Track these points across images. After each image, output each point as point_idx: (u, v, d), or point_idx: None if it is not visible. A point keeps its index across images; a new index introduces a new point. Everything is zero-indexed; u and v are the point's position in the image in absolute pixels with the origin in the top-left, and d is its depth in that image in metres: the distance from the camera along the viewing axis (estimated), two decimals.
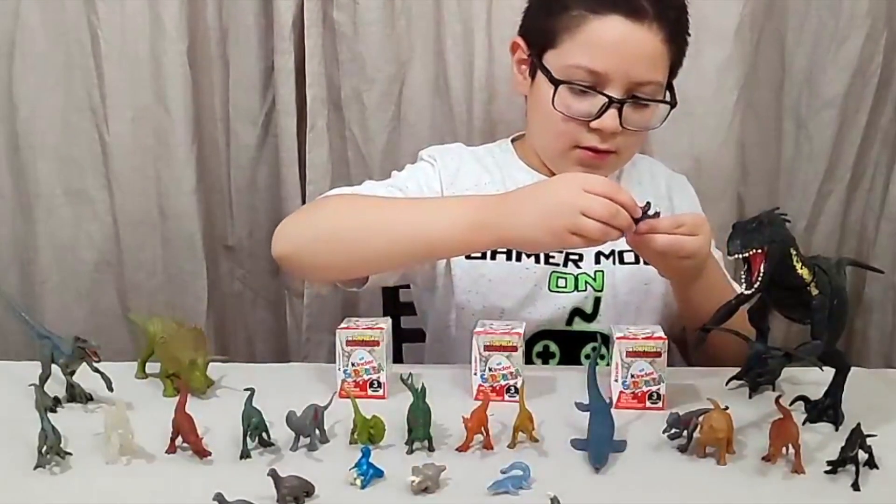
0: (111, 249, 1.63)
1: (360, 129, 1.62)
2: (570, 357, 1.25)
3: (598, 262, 1.26)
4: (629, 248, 1.18)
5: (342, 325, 1.07)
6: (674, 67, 1.23)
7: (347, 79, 1.60)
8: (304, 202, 1.61)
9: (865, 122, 1.59)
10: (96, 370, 1.01)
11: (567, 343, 1.25)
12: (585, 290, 1.26)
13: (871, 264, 1.49)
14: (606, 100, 1.16)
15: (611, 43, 1.16)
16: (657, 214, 1.05)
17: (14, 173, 1.61)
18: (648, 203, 1.04)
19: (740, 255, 0.88)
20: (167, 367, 1.08)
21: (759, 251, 0.88)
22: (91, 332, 1.15)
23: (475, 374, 1.04)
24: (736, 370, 1.08)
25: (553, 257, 1.26)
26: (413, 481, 0.82)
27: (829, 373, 0.98)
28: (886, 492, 0.84)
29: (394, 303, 1.51)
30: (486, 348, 1.03)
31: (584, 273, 1.26)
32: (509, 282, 1.24)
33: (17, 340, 1.43)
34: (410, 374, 0.94)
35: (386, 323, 1.08)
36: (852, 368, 0.99)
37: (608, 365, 1.04)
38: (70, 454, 0.89)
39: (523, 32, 1.28)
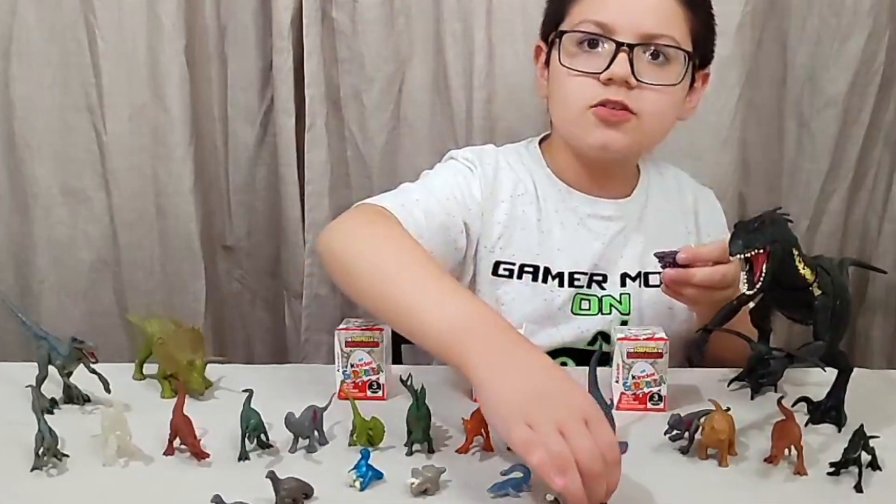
0: (108, 249, 1.63)
1: (359, 128, 1.61)
2: None
3: (623, 284, 1.23)
4: (654, 269, 1.16)
5: (341, 325, 1.06)
6: (698, 37, 1.17)
7: (346, 77, 1.59)
8: (302, 202, 1.60)
9: (868, 121, 1.58)
10: (93, 371, 1.01)
11: (587, 361, 1.22)
12: (610, 314, 1.22)
13: (873, 264, 1.49)
14: (614, 46, 1.12)
15: None
16: (673, 260, 1.05)
17: (11, 172, 1.61)
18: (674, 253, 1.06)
19: (742, 255, 0.87)
20: (165, 368, 1.08)
21: (761, 251, 0.87)
22: (88, 333, 1.15)
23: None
24: (738, 371, 1.08)
25: (577, 279, 1.22)
26: (412, 483, 0.81)
27: (831, 374, 0.98)
28: (889, 493, 0.84)
29: None
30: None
31: (610, 296, 1.23)
32: (534, 302, 1.21)
33: (13, 341, 1.43)
34: (410, 375, 0.93)
35: (385, 324, 1.07)
36: (855, 369, 0.99)
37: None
38: (67, 456, 0.89)
39: (542, 31, 1.25)
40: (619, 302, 1.23)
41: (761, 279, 0.88)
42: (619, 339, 1.02)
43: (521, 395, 0.80)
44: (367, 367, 1.04)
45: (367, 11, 1.54)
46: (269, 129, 1.63)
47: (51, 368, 1.02)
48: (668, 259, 1.07)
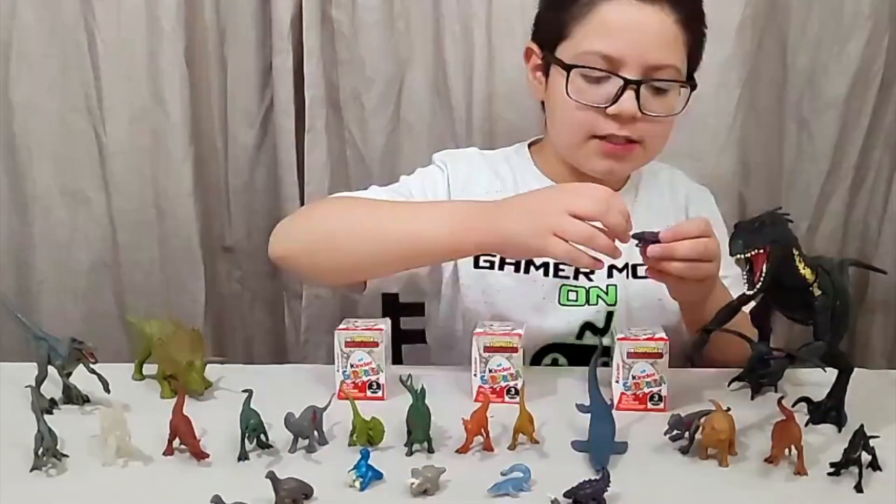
0: (108, 250, 1.63)
1: (358, 129, 1.61)
2: None
3: (610, 275, 1.24)
4: (642, 261, 1.15)
5: (341, 326, 1.06)
6: (692, 54, 1.19)
7: (346, 79, 1.59)
8: (302, 203, 1.61)
9: (868, 123, 1.59)
10: (93, 372, 1.01)
11: (577, 357, 1.22)
12: (597, 304, 1.23)
13: (873, 265, 1.49)
14: (622, 83, 1.13)
15: (622, 25, 1.14)
16: (654, 240, 1.03)
17: (10, 174, 1.61)
18: (653, 233, 1.03)
19: (742, 256, 0.87)
20: (164, 369, 1.07)
21: (762, 251, 0.87)
22: (88, 334, 1.14)
23: (475, 375, 1.04)
24: (738, 371, 1.08)
25: (563, 270, 1.23)
26: (412, 483, 0.81)
27: (831, 374, 0.98)
28: (890, 493, 0.83)
29: (393, 304, 1.50)
30: (486, 349, 1.03)
31: (596, 287, 1.24)
32: (518, 293, 1.22)
33: (13, 342, 1.42)
34: (410, 375, 0.93)
35: (385, 324, 1.07)
36: (855, 369, 0.99)
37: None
38: (67, 456, 0.88)
39: (535, 35, 1.26)
40: (606, 293, 1.24)
41: (761, 279, 0.88)
42: (619, 339, 1.02)
43: (530, 215, 0.98)
44: (366, 368, 1.04)
45: (366, 13, 1.54)
46: (269, 131, 1.63)
47: (50, 369, 1.01)
48: (647, 239, 1.03)
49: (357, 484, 0.82)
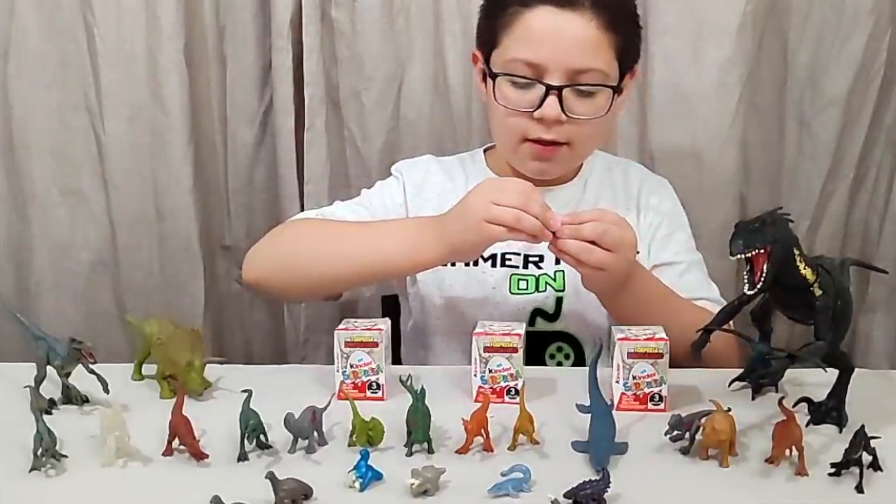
0: (107, 250, 1.63)
1: (358, 127, 1.61)
2: (533, 357, 1.23)
3: (558, 262, 1.26)
4: None
5: (340, 326, 1.06)
6: (623, 56, 1.23)
7: (346, 77, 1.59)
8: (301, 202, 1.60)
9: (869, 121, 1.58)
10: (92, 372, 1.00)
11: (530, 343, 1.24)
12: (546, 291, 1.27)
13: (874, 264, 1.49)
14: (544, 89, 1.18)
15: (543, 33, 1.19)
16: None
17: (9, 173, 1.60)
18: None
19: (743, 256, 0.87)
20: (164, 369, 1.07)
21: (762, 251, 0.87)
22: (87, 334, 1.14)
23: (475, 375, 1.03)
24: (739, 371, 1.08)
25: (510, 259, 1.28)
26: (412, 484, 0.81)
27: (832, 374, 0.98)
28: (890, 494, 0.83)
29: (393, 304, 1.50)
30: (487, 349, 1.03)
31: (545, 274, 1.28)
32: (469, 286, 1.28)
33: (12, 342, 1.42)
34: (410, 375, 0.93)
35: (385, 324, 1.07)
36: (856, 370, 0.98)
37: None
38: (66, 457, 0.88)
39: (477, 41, 1.32)
40: (554, 279, 1.28)
41: (762, 279, 0.88)
42: (619, 339, 1.01)
43: (464, 215, 1.09)
44: (366, 368, 1.04)
45: (366, 11, 1.54)
46: (269, 129, 1.63)
47: (49, 369, 1.01)
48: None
49: (357, 484, 0.82)
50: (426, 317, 1.32)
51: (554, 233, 1.07)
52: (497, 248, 1.26)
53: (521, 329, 1.05)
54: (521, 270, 1.29)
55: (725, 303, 1.26)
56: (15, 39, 1.54)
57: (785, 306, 0.99)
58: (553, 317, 1.27)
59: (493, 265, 1.28)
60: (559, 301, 1.27)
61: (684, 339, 1.01)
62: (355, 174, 1.63)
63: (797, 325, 0.99)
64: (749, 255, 0.87)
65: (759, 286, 0.88)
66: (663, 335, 1.02)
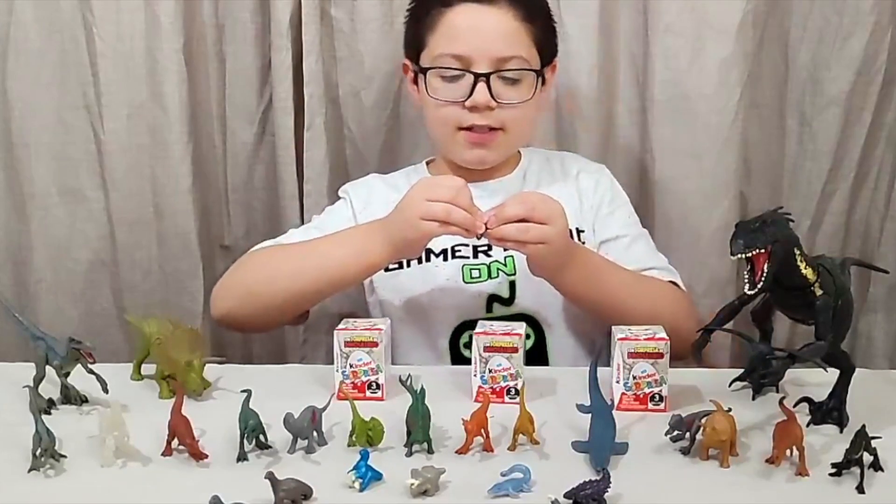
0: (106, 249, 1.62)
1: (358, 126, 1.61)
2: None
3: (506, 248, 1.28)
4: None
5: (340, 326, 1.06)
6: (542, 45, 1.33)
7: (345, 76, 1.59)
8: (301, 201, 1.60)
9: (870, 121, 1.57)
10: (91, 371, 1.00)
11: None
12: (498, 277, 1.31)
13: (875, 264, 1.48)
14: (473, 78, 1.27)
15: (466, 27, 1.29)
16: None
17: (8, 172, 1.60)
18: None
19: (743, 255, 0.87)
20: (163, 369, 1.07)
21: (763, 251, 0.87)
22: (86, 333, 1.14)
23: (475, 375, 1.03)
24: (739, 371, 1.08)
25: (460, 251, 1.32)
26: (412, 484, 0.81)
27: (833, 374, 0.97)
28: (891, 494, 0.83)
29: None
30: (486, 349, 1.02)
31: (496, 261, 1.32)
32: (425, 282, 1.32)
33: (10, 341, 1.41)
34: (409, 375, 0.93)
35: (384, 324, 1.07)
36: (857, 369, 0.99)
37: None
38: (65, 457, 0.88)
39: (405, 50, 1.39)
40: (505, 264, 1.32)
41: (762, 279, 0.88)
42: (619, 339, 1.01)
43: (405, 212, 1.16)
44: (366, 368, 1.04)
45: (366, 10, 1.54)
46: (268, 128, 1.63)
47: (48, 369, 1.01)
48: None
49: (356, 485, 0.82)
50: (381, 310, 1.36)
51: (487, 225, 1.12)
52: (447, 242, 1.30)
53: (522, 329, 1.05)
54: (471, 260, 1.33)
55: (675, 271, 1.30)
56: (14, 38, 1.54)
57: (785, 306, 0.98)
58: (508, 301, 1.31)
59: (445, 259, 1.33)
60: (512, 285, 1.31)
61: (642, 309, 1.14)
62: (354, 173, 1.62)
63: (798, 325, 0.99)
64: (750, 254, 0.87)
65: (759, 286, 0.88)
66: (663, 335, 1.02)
